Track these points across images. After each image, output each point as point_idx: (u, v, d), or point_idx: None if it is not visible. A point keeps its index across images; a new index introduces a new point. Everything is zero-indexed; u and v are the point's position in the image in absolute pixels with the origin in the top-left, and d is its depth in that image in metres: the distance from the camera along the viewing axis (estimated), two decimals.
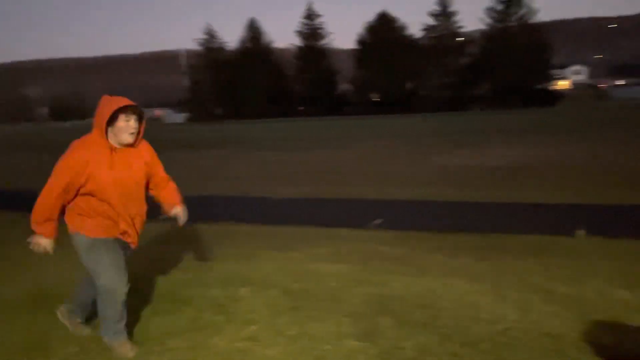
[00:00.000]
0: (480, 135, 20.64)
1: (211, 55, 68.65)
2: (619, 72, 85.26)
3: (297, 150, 17.91)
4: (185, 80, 72.73)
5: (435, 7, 60.74)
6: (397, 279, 4.17)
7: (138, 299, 3.68)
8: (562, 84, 71.91)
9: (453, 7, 60.29)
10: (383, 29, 61.48)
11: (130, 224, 3.03)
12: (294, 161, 14.65)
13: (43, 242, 2.95)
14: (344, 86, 66.68)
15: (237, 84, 62.25)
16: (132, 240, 3.09)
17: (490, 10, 58.18)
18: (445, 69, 58.25)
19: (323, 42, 66.50)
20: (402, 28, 62.42)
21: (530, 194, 8.13)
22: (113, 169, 2.88)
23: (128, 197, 2.97)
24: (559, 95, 56.57)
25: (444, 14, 60.27)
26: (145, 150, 3.08)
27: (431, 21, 60.73)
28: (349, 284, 4.10)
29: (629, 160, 11.27)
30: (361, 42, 63.37)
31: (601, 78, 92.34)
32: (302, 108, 63.84)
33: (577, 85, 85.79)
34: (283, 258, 4.93)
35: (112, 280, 2.93)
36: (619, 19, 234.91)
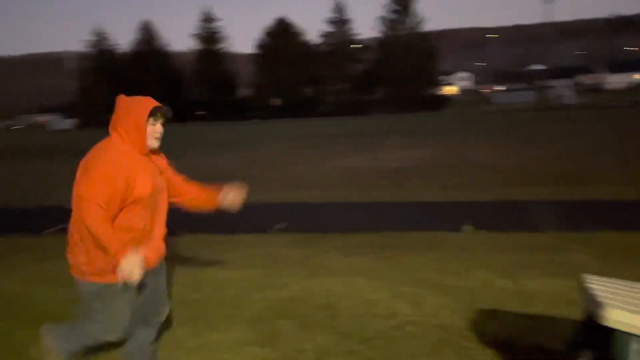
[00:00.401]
0: (377, 138, 21.42)
1: (102, 57, 65.22)
2: (499, 78, 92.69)
3: (197, 155, 17.48)
4: (73, 84, 68.34)
5: (332, 15, 62.28)
6: (297, 282, 4.20)
7: (15, 321, 3.39)
8: (450, 90, 76.78)
9: (350, 15, 62.21)
10: (282, 35, 61.96)
11: (155, 243, 2.66)
12: (194, 166, 14.28)
13: (132, 261, 2.29)
14: (244, 91, 66.24)
15: (130, 88, 59.46)
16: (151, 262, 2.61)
17: (383, 18, 60.71)
18: (343, 74, 59.88)
19: (221, 45, 65.65)
20: (300, 34, 63.34)
21: (423, 193, 8.57)
22: (151, 176, 2.52)
23: (157, 210, 2.61)
24: (447, 100, 60.29)
25: (341, 21, 61.97)
26: (161, 155, 2.75)
27: (328, 28, 62.20)
28: (249, 290, 4.06)
29: (507, 159, 12.26)
30: (261, 46, 63.42)
31: (484, 84, 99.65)
32: (202, 113, 62.50)
33: (463, 91, 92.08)
34: (182, 267, 4.78)
35: (103, 335, 2.58)
36: (499, 29, 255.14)
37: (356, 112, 53.66)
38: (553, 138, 16.72)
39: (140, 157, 2.51)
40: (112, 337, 2.59)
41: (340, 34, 61.81)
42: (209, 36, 65.21)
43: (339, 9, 61.72)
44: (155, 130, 2.56)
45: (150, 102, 2.56)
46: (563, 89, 48.36)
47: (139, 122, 2.47)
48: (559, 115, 27.95)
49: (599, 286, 2.28)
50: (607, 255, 4.70)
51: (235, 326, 3.39)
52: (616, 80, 73.46)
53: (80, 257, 2.47)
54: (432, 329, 3.25)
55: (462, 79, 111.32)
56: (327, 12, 65.18)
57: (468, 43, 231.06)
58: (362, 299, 3.77)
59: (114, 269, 2.32)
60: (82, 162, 2.47)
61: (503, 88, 73.43)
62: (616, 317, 2.00)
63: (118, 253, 2.29)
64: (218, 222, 7.38)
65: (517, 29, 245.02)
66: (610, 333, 2.04)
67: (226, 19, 72.34)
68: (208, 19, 65.45)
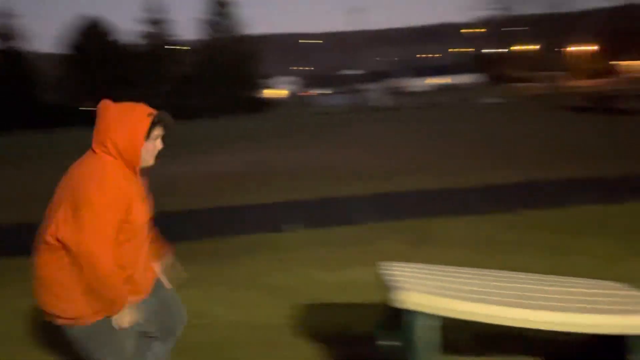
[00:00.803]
0: (201, 143, 21.05)
1: None
2: (318, 82, 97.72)
3: (8, 169, 15.38)
4: None
5: (148, 15, 59.58)
6: None
7: None
8: (275, 93, 78.81)
9: (169, 16, 60.20)
10: (93, 34, 57.48)
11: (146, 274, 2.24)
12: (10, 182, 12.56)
13: (128, 314, 2.04)
14: (52, 95, 59.81)
15: None
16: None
17: (203, 21, 59.89)
18: (163, 77, 57.70)
19: (19, 43, 58.34)
20: (112, 34, 59.41)
21: (247, 196, 8.68)
22: (143, 199, 2.14)
23: (145, 240, 2.21)
24: (270, 103, 61.75)
25: (158, 22, 59.65)
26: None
27: (145, 28, 59.44)
28: None
29: (328, 159, 13.01)
30: (69, 46, 58.04)
31: (308, 88, 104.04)
32: None
33: (288, 95, 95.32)
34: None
35: None
36: (324, 36, 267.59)
37: (177, 117, 51.95)
38: (370, 137, 18.17)
39: (134, 177, 2.11)
40: None
41: (159, 35, 59.48)
42: (3, 32, 57.57)
43: (156, 9, 59.33)
44: (156, 147, 2.18)
45: (147, 110, 2.14)
46: (374, 92, 52.80)
47: (136, 135, 2.04)
48: (374, 116, 30.44)
49: (393, 271, 2.54)
50: (414, 241, 5.25)
51: (59, 357, 3.07)
52: (417, 84, 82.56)
53: (60, 304, 2.04)
54: (261, 331, 3.30)
55: (285, 83, 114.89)
56: (142, 12, 61.44)
57: (293, 48, 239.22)
58: (188, 311, 3.67)
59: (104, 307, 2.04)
60: (69, 188, 1.98)
61: (322, 92, 77.39)
62: (403, 298, 2.23)
63: (120, 304, 2.02)
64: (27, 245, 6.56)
65: (336, 35, 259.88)
66: (402, 313, 2.28)
67: (27, 15, 64.90)
68: (1, 14, 57.77)
